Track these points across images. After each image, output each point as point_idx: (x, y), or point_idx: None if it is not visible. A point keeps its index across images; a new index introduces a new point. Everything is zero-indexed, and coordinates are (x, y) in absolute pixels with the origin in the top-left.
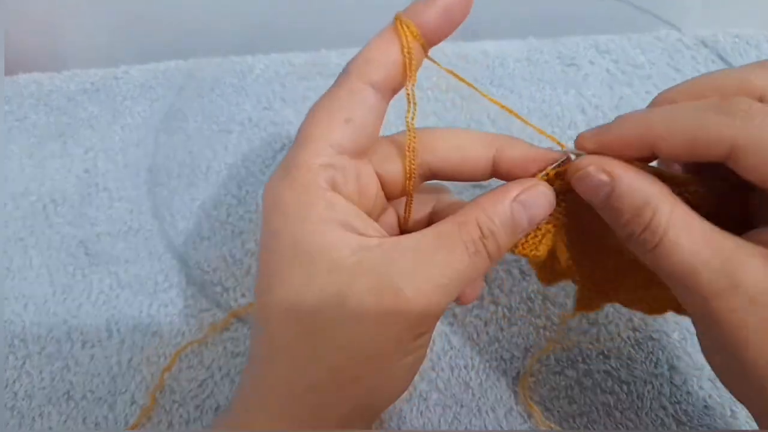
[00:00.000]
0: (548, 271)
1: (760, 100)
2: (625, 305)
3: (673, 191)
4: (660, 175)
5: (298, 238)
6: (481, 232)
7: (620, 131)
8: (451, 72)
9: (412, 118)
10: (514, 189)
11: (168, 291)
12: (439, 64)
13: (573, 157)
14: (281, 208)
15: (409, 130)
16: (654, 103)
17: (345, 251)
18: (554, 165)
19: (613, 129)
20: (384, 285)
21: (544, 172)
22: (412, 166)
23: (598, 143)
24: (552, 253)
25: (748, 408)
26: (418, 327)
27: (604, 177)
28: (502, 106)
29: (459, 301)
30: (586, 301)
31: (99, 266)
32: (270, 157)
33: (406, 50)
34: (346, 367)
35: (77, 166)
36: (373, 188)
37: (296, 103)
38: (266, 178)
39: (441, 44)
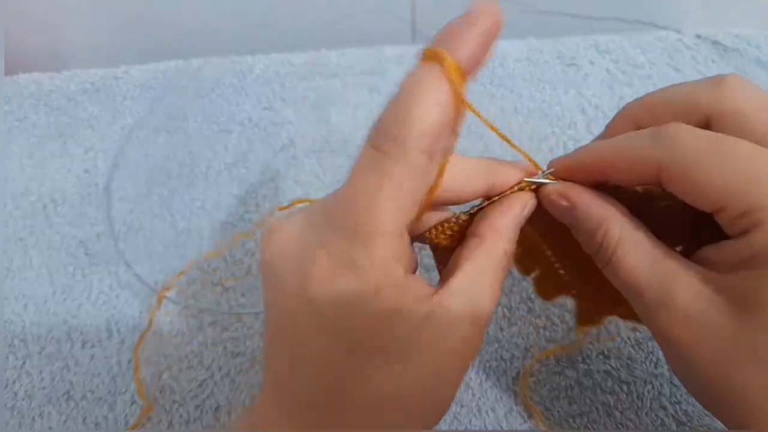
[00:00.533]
0: (546, 286)
1: (707, 120)
2: (624, 318)
3: (645, 206)
4: (634, 193)
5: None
6: (507, 258)
7: (578, 160)
8: (472, 109)
9: (447, 161)
10: (518, 207)
11: (167, 291)
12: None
13: (548, 175)
14: (373, 332)
15: (438, 175)
16: (615, 117)
17: (419, 323)
18: (533, 179)
19: (572, 157)
20: (456, 341)
21: (530, 181)
22: (433, 193)
23: (563, 168)
24: (549, 269)
25: (708, 411)
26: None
27: (564, 202)
28: (501, 135)
29: None
30: (586, 316)
31: (99, 266)
32: (270, 157)
33: (457, 102)
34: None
35: (77, 166)
36: None
37: (296, 103)
38: (266, 178)
39: None
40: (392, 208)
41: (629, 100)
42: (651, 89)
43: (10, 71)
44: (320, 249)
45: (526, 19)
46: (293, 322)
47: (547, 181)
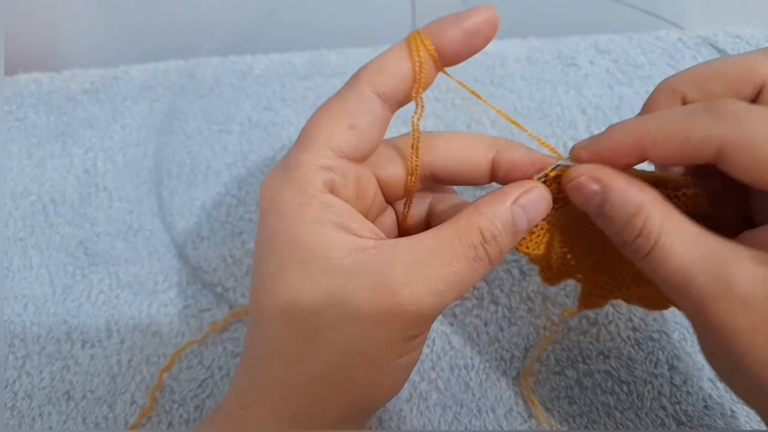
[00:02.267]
0: (551, 270)
1: (762, 87)
2: (627, 301)
3: (669, 194)
4: (656, 179)
5: (295, 237)
6: (483, 237)
7: (613, 139)
8: (463, 85)
9: (419, 119)
10: (514, 192)
11: (168, 291)
12: (452, 77)
13: (568, 161)
14: (278, 207)
15: (414, 130)
16: (656, 92)
17: (341, 252)
18: (552, 167)
19: (605, 138)
20: (379, 286)
21: (542, 174)
22: (415, 165)
23: (592, 153)
24: (553, 253)
25: (752, 407)
26: (412, 329)
27: (595, 186)
28: (508, 118)
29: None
30: (589, 299)
31: (99, 266)
32: (270, 157)
33: (417, 66)
34: (340, 366)
35: (77, 166)
36: (371, 191)
37: (296, 103)
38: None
39: None
40: (330, 123)
41: (629, 100)
42: (651, 89)
43: (10, 71)
44: (280, 162)
45: (526, 19)
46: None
47: (562, 164)
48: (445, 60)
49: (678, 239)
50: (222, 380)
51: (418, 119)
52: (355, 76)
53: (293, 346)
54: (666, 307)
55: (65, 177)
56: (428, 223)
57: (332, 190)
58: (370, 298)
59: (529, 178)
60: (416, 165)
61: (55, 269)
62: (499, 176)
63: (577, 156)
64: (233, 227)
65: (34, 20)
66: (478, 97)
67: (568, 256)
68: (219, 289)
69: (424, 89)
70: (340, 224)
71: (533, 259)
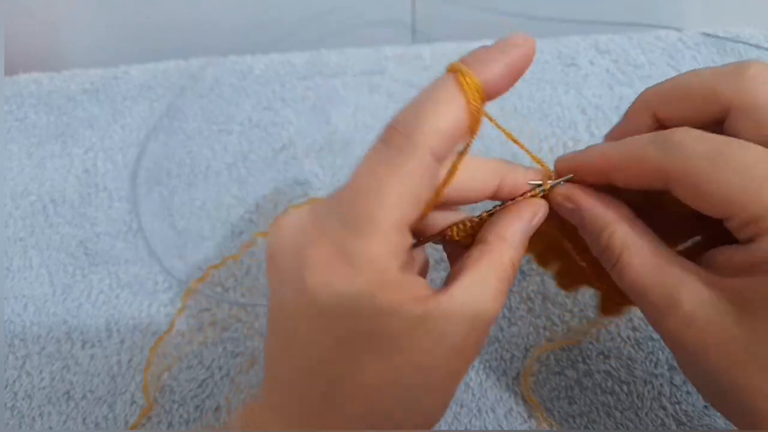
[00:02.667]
0: (567, 278)
1: (727, 110)
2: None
3: (653, 206)
4: (640, 192)
5: (374, 332)
6: (513, 267)
7: (586, 161)
8: (496, 124)
9: (459, 161)
10: (527, 215)
11: (168, 291)
12: (490, 118)
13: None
14: (347, 308)
15: (450, 173)
16: (632, 106)
17: (414, 324)
18: (551, 185)
19: (580, 157)
20: (451, 346)
21: (540, 189)
22: (441, 194)
23: (568, 168)
24: (569, 261)
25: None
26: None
27: (568, 205)
28: (523, 147)
29: None
30: (609, 306)
31: (99, 266)
32: (270, 157)
33: (472, 119)
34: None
35: (77, 166)
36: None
37: (296, 103)
38: (266, 178)
39: (441, 44)
40: (395, 202)
41: (629, 100)
42: None
43: (10, 71)
44: (320, 238)
45: (526, 19)
46: (288, 314)
47: (549, 183)
48: (488, 97)
49: (637, 256)
50: (222, 380)
51: (459, 161)
52: (408, 137)
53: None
54: None
55: (65, 177)
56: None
57: (403, 268)
58: (446, 357)
59: (525, 192)
60: (442, 195)
61: (55, 269)
62: (500, 197)
63: (557, 167)
64: (233, 227)
65: (34, 20)
66: (493, 121)
67: (582, 263)
68: (219, 289)
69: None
70: (413, 299)
71: (543, 266)
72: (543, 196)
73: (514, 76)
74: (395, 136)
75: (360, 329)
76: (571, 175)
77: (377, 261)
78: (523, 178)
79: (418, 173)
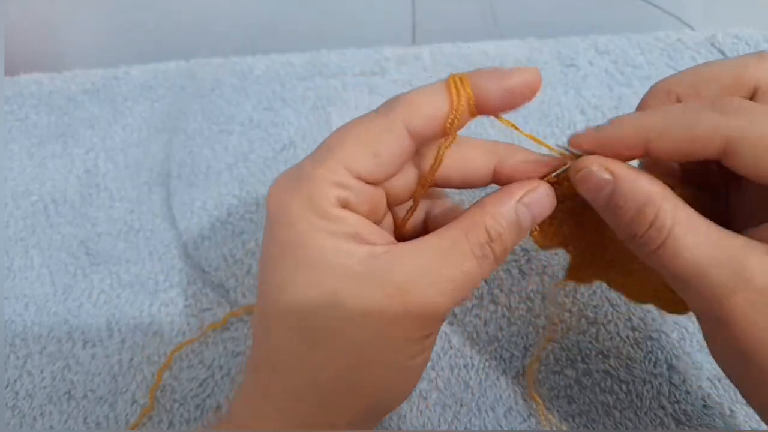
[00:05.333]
0: (545, 235)
1: (754, 91)
2: (609, 285)
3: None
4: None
5: (305, 247)
6: (489, 236)
7: (617, 131)
8: (510, 124)
9: (445, 149)
10: (518, 191)
11: (168, 291)
12: (502, 120)
13: (572, 161)
14: (288, 217)
15: (437, 158)
16: (651, 93)
17: (352, 259)
18: (557, 173)
19: (609, 129)
20: (390, 289)
21: (552, 175)
22: (429, 182)
23: (595, 142)
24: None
25: (756, 408)
26: (424, 329)
27: (606, 175)
28: (526, 135)
29: None
30: (577, 273)
31: (100, 266)
32: (270, 157)
33: (452, 112)
34: (352, 370)
35: (78, 166)
36: (383, 207)
37: (296, 103)
38: (267, 178)
39: (441, 44)
40: (354, 146)
41: (628, 100)
42: None
43: (10, 71)
44: (290, 171)
45: (526, 19)
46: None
47: (562, 168)
48: (480, 109)
49: (690, 232)
50: (222, 379)
51: (445, 149)
52: (390, 105)
53: (305, 352)
54: (644, 302)
55: (66, 177)
56: (426, 226)
57: (345, 206)
58: (382, 300)
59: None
60: (430, 182)
61: (56, 269)
62: (501, 181)
63: (577, 145)
64: (234, 227)
65: (35, 20)
66: (510, 125)
67: (564, 227)
68: (220, 289)
69: (457, 130)
70: (351, 234)
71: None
72: (555, 183)
73: (509, 99)
74: (382, 104)
75: (292, 242)
76: (580, 159)
77: (317, 180)
78: (525, 162)
79: (384, 133)
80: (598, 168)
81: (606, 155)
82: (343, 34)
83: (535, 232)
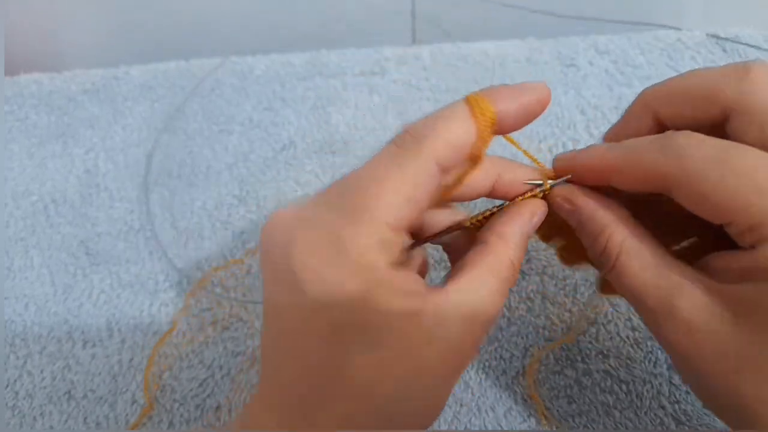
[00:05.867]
0: (569, 252)
1: (728, 111)
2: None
3: (652, 206)
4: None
5: (367, 324)
6: (514, 267)
7: (584, 161)
8: (510, 140)
9: (469, 174)
10: (527, 216)
11: (169, 291)
12: (512, 141)
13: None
14: (340, 296)
15: (461, 176)
16: (633, 105)
17: (406, 323)
18: (542, 189)
19: (580, 156)
20: (446, 347)
21: (539, 190)
22: (444, 200)
23: (567, 168)
24: (572, 236)
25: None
26: (462, 371)
27: (567, 206)
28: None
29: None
30: (565, 252)
31: (100, 266)
32: (270, 157)
33: (480, 139)
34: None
35: (78, 166)
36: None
37: (296, 103)
38: (267, 178)
39: (441, 45)
40: (392, 198)
41: (628, 100)
42: None
43: (10, 71)
44: (310, 229)
45: (526, 19)
46: (279, 310)
47: (549, 184)
48: (498, 130)
49: (636, 260)
50: (222, 379)
51: (469, 174)
52: (417, 140)
53: (361, 418)
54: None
55: (66, 177)
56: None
57: (391, 263)
58: (441, 359)
59: (524, 192)
60: (442, 202)
61: (56, 269)
62: (497, 195)
63: (556, 166)
64: (234, 227)
65: (35, 20)
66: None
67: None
68: (219, 290)
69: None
70: (404, 294)
71: (545, 241)
72: (543, 197)
73: (524, 115)
74: (406, 138)
75: (350, 322)
76: (569, 176)
77: (368, 252)
78: (521, 176)
79: (419, 175)
80: (561, 200)
81: (581, 178)
82: (343, 34)
83: (559, 251)
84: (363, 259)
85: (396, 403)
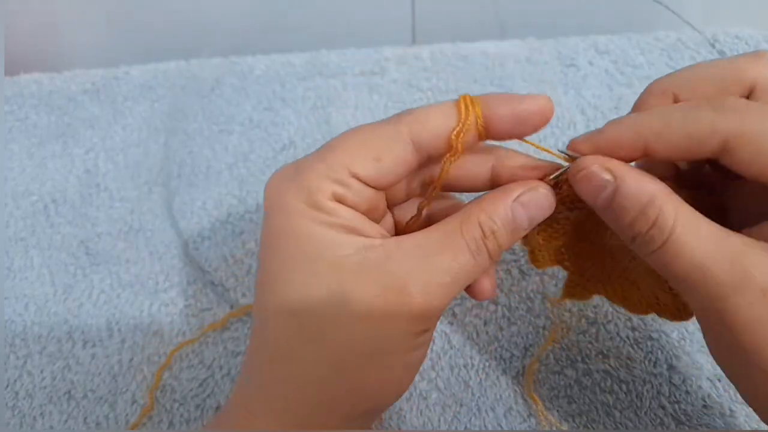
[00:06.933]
0: (539, 253)
1: (751, 91)
2: (611, 300)
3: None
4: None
5: (300, 237)
6: (483, 232)
7: (614, 134)
8: (534, 144)
9: (451, 163)
10: (516, 190)
11: (169, 291)
12: (527, 141)
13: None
14: (285, 208)
15: (443, 170)
16: (647, 92)
17: (348, 250)
18: (556, 174)
19: (607, 131)
20: (387, 283)
21: (551, 177)
22: (432, 195)
23: (594, 145)
24: (540, 237)
25: (755, 408)
26: (421, 324)
27: (607, 176)
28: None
29: (477, 297)
30: (574, 289)
31: (100, 266)
32: (270, 157)
33: (459, 126)
34: (348, 365)
35: (78, 166)
36: (382, 208)
37: (296, 103)
38: (267, 178)
39: (441, 45)
40: (358, 149)
41: (628, 100)
42: None
43: (10, 71)
44: (287, 166)
45: (526, 19)
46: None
47: (561, 169)
48: (489, 133)
49: (692, 232)
50: (222, 379)
51: (450, 164)
52: (398, 116)
53: (300, 346)
54: (646, 312)
55: (66, 177)
56: (427, 223)
57: (341, 201)
58: (379, 294)
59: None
60: (434, 196)
61: (56, 269)
62: (499, 185)
63: (576, 148)
64: (234, 227)
65: (35, 20)
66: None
67: (558, 242)
68: (220, 289)
69: (463, 146)
70: (346, 226)
71: (524, 241)
72: (554, 186)
73: (519, 123)
74: (392, 116)
75: (287, 231)
76: (579, 156)
77: (315, 174)
78: (520, 163)
79: (390, 142)
80: (599, 168)
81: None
82: (343, 34)
83: (532, 253)
84: (308, 182)
85: (361, 354)
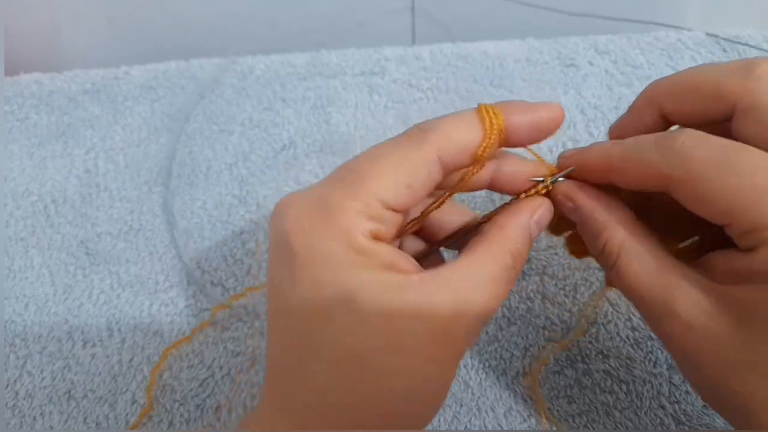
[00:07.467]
0: (577, 244)
1: (733, 107)
2: None
3: (655, 202)
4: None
5: (346, 289)
6: (513, 259)
7: (587, 159)
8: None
9: (471, 175)
10: (528, 210)
11: (169, 291)
12: (532, 151)
13: (561, 175)
14: (322, 257)
15: (462, 180)
16: (638, 100)
17: (391, 293)
18: (551, 180)
19: (584, 153)
20: (434, 325)
21: (543, 185)
22: (445, 200)
23: (574, 163)
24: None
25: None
26: (461, 356)
27: (568, 204)
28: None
29: None
30: (575, 244)
31: (100, 266)
32: (270, 157)
33: (485, 142)
34: (393, 406)
35: (78, 166)
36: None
37: (296, 103)
38: (267, 178)
39: (441, 45)
40: (389, 178)
41: (628, 100)
42: None
43: (10, 71)
44: (306, 196)
45: (526, 19)
46: (274, 276)
47: (549, 180)
48: (508, 141)
49: (635, 261)
50: (223, 379)
51: (471, 176)
52: (422, 133)
53: (347, 399)
54: None
55: (66, 177)
56: (425, 225)
57: (377, 237)
58: (428, 338)
59: (528, 189)
60: (445, 201)
61: (56, 269)
62: (497, 187)
63: (560, 163)
64: (234, 227)
65: (35, 20)
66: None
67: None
68: (219, 289)
69: (487, 160)
70: (385, 264)
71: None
72: (546, 193)
73: (535, 131)
74: (413, 130)
75: (331, 284)
76: (572, 168)
77: (354, 218)
78: (521, 169)
79: (419, 163)
80: (562, 198)
81: (584, 176)
82: (343, 34)
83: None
84: (347, 222)
85: (389, 392)
